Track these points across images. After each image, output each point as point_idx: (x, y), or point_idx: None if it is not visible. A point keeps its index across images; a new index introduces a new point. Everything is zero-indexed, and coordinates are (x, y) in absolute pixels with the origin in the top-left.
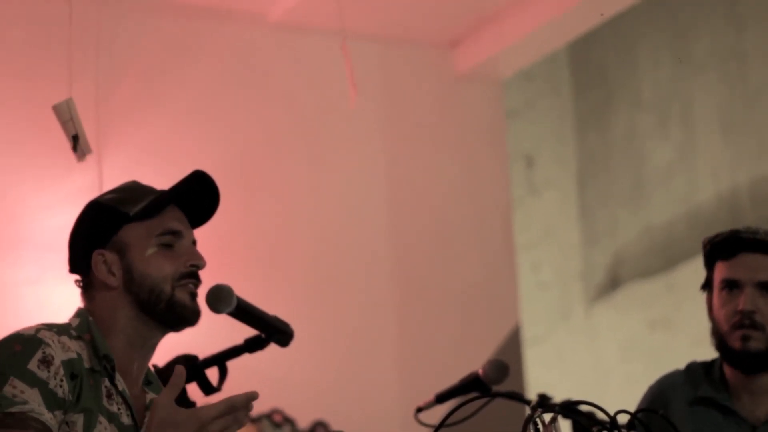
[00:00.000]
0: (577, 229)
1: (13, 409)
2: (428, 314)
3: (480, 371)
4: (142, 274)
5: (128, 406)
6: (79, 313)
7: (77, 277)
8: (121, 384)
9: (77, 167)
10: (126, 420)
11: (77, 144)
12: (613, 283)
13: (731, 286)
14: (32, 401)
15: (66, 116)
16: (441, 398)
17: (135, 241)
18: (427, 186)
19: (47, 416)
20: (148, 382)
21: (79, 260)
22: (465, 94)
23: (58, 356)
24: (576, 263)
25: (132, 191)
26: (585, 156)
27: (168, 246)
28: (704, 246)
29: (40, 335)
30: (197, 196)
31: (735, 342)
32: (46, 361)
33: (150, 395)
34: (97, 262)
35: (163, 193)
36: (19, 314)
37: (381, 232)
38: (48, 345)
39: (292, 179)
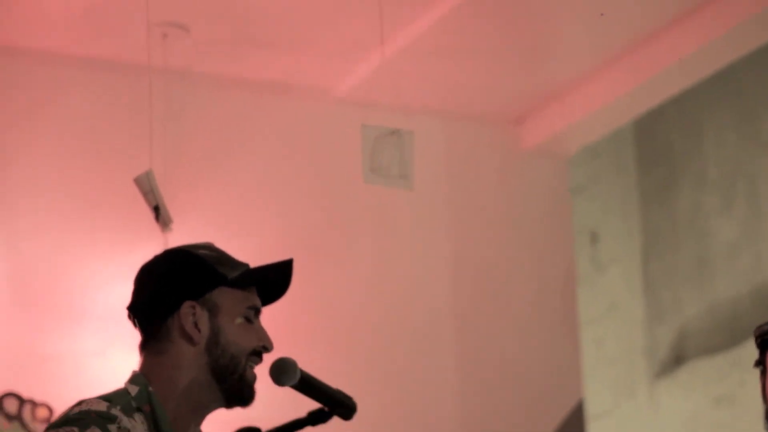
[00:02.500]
0: (642, 305)
1: None
2: (491, 389)
3: None
4: (229, 340)
5: None
6: (138, 380)
7: (137, 318)
8: None
9: (142, 239)
10: None
11: (159, 214)
12: (677, 359)
13: None
14: None
15: (146, 188)
16: None
17: (227, 306)
18: (492, 262)
19: None
20: None
21: (160, 306)
22: (530, 170)
23: (134, 429)
24: (640, 339)
25: (221, 253)
26: (649, 232)
27: (249, 320)
28: (755, 333)
29: (113, 413)
30: (275, 279)
31: None
32: (123, 428)
33: None
34: (187, 314)
35: (258, 269)
36: (85, 383)
37: (445, 309)
38: (121, 419)
39: (357, 256)
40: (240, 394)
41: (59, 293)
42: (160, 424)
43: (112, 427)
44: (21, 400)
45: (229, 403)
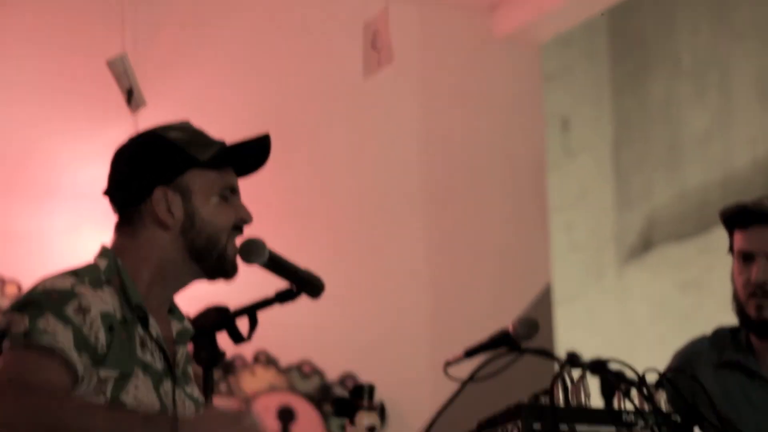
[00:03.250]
0: (612, 191)
1: (43, 342)
2: (460, 271)
3: (510, 327)
4: (204, 221)
5: (161, 350)
6: (106, 254)
7: (111, 201)
8: (155, 330)
9: (112, 120)
10: (160, 365)
11: (131, 97)
12: (645, 245)
13: (745, 257)
14: (63, 339)
15: (120, 70)
16: (470, 353)
17: (200, 188)
18: (463, 147)
19: (74, 356)
20: (169, 311)
21: (132, 190)
22: (503, 57)
23: (97, 306)
24: (609, 225)
25: (194, 134)
26: (621, 120)
27: (225, 198)
28: (720, 216)
29: (76, 290)
30: (250, 154)
31: (751, 311)
32: (83, 309)
33: (174, 324)
34: (159, 200)
35: (231, 147)
36: (54, 262)
37: (415, 192)
38: (84, 297)
39: (329, 136)
40: (222, 269)
41: (31, 171)
42: (129, 295)
43: (69, 309)
44: None
45: (211, 277)
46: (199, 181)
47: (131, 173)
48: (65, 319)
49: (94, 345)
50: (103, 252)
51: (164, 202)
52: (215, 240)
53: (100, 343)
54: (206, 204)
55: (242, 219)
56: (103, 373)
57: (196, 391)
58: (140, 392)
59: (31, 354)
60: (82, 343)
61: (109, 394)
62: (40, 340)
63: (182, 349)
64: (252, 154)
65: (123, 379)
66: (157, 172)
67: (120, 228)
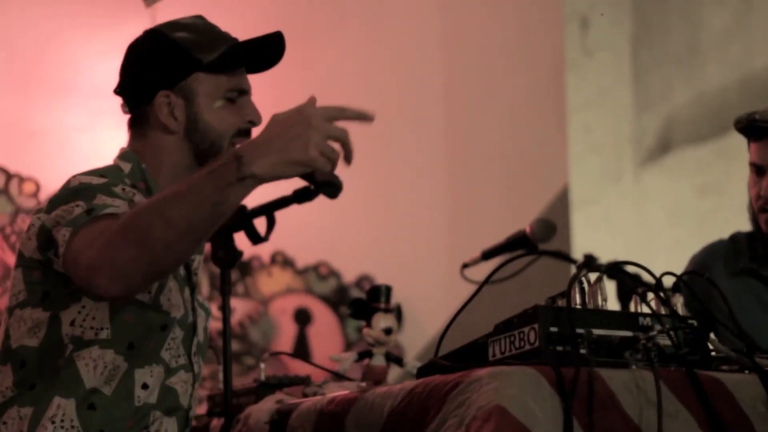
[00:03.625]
0: (630, 92)
1: (107, 211)
2: (477, 172)
3: (527, 229)
4: (207, 125)
5: None
6: (128, 157)
7: (123, 102)
8: None
9: (130, 13)
10: (181, 271)
11: None
12: (664, 147)
13: (758, 170)
14: (122, 206)
15: None
16: (487, 255)
17: (204, 92)
18: (481, 45)
19: None
20: None
21: (137, 92)
22: None
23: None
24: (627, 126)
25: (203, 32)
26: (640, 19)
27: (232, 101)
28: (734, 126)
29: (111, 183)
30: (263, 52)
31: (762, 224)
32: (127, 193)
33: None
34: (161, 104)
35: (237, 47)
36: (72, 159)
37: (433, 91)
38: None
39: (346, 34)
40: None
41: (46, 68)
42: None
43: (118, 189)
44: (8, 174)
45: None
46: (203, 83)
47: (137, 74)
48: (116, 194)
49: None
50: (126, 155)
51: (167, 105)
52: (218, 144)
53: None
54: (210, 107)
55: (250, 121)
56: None
57: (205, 301)
58: (172, 295)
59: (100, 221)
60: None
61: (153, 293)
62: (105, 210)
63: (198, 257)
64: (264, 51)
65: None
66: (160, 74)
67: (132, 128)
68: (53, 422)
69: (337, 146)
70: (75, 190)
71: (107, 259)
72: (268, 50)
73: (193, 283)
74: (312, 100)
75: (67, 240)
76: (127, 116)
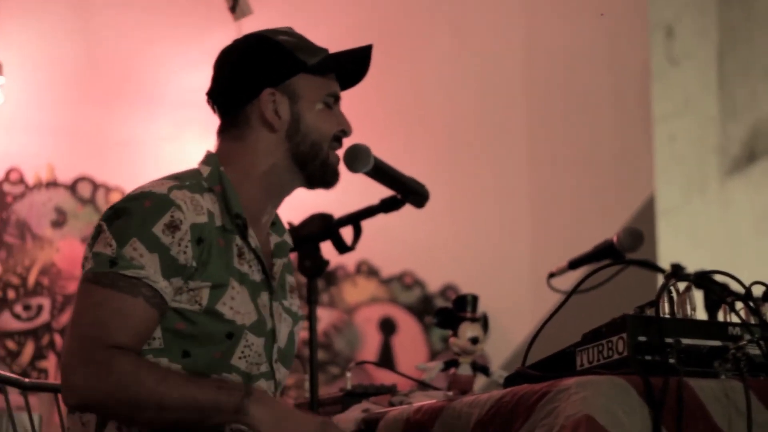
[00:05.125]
0: (716, 101)
1: (128, 272)
2: (563, 181)
3: (614, 238)
4: (309, 126)
5: (260, 261)
6: (210, 161)
7: (216, 104)
8: (254, 240)
9: (216, 25)
10: (257, 276)
11: (237, 3)
12: (750, 157)
13: None
14: (149, 267)
15: None
16: (574, 264)
17: (307, 93)
18: (566, 54)
19: (162, 284)
20: (272, 224)
21: (241, 91)
22: None
23: (188, 220)
24: (713, 136)
25: (300, 39)
26: (726, 28)
27: (328, 106)
28: None
29: (172, 196)
30: (353, 65)
31: None
32: (173, 226)
33: (273, 237)
34: (267, 101)
35: (337, 54)
36: (158, 169)
37: (517, 100)
38: (178, 208)
39: (431, 45)
40: (323, 177)
41: (133, 78)
42: (230, 204)
43: (158, 227)
44: (94, 185)
45: (312, 186)
46: (305, 85)
47: (239, 73)
48: (152, 243)
49: (183, 264)
50: (208, 158)
51: (272, 103)
52: (318, 146)
53: (189, 258)
54: (311, 109)
55: (343, 130)
56: (194, 284)
57: (295, 305)
58: (236, 302)
59: (115, 294)
60: (170, 266)
61: (204, 303)
62: (127, 270)
63: (280, 261)
64: (355, 64)
65: (217, 289)
66: (266, 72)
67: (224, 132)
68: (120, 429)
69: None
70: (121, 210)
71: (89, 401)
72: (358, 63)
73: (272, 287)
74: (330, 424)
75: (86, 278)
76: (218, 123)
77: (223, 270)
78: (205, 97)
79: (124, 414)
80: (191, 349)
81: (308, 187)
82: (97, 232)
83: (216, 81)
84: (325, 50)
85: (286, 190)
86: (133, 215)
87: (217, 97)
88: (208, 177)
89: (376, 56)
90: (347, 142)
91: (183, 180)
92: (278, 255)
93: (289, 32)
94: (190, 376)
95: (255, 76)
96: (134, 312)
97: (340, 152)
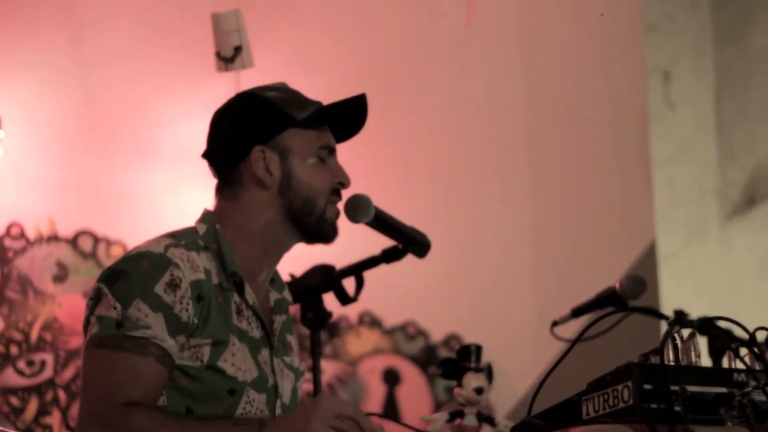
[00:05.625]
0: (714, 145)
1: (136, 333)
2: (563, 228)
3: (617, 285)
4: (301, 181)
5: (258, 317)
6: (206, 219)
7: (211, 164)
8: (251, 297)
9: (213, 76)
10: (257, 333)
11: (237, 55)
12: (749, 201)
13: None
14: (155, 327)
15: (232, 26)
16: (577, 312)
17: (298, 148)
18: (565, 97)
19: (169, 343)
20: (271, 280)
21: (231, 150)
22: (605, 7)
23: (187, 278)
24: (712, 180)
25: (291, 94)
26: (723, 71)
27: (322, 160)
28: None
29: (169, 254)
30: (349, 115)
31: None
32: (174, 285)
33: (273, 294)
34: (257, 159)
35: (328, 106)
36: (158, 222)
37: (518, 145)
38: (177, 266)
39: (430, 88)
40: (320, 233)
41: (131, 130)
42: (225, 261)
43: (159, 287)
44: (95, 238)
45: (310, 241)
46: (296, 140)
47: (230, 133)
48: (155, 303)
49: (186, 321)
50: (204, 217)
51: (262, 161)
52: (313, 202)
53: (190, 316)
54: (303, 164)
55: (340, 182)
56: (195, 341)
57: (296, 361)
58: (237, 359)
59: (125, 355)
60: (174, 325)
61: (206, 360)
62: (134, 332)
63: (279, 318)
64: (348, 114)
65: (218, 346)
66: (255, 130)
67: (220, 191)
68: None
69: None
70: (120, 271)
71: None
72: (353, 113)
73: (273, 344)
74: (325, 395)
75: (92, 343)
76: (215, 181)
77: (222, 327)
78: (202, 149)
79: None
80: (194, 406)
81: (306, 242)
82: (98, 295)
83: (210, 141)
84: (317, 103)
85: (284, 246)
86: (133, 276)
87: (211, 157)
88: (204, 235)
89: (372, 102)
90: (346, 195)
91: (179, 239)
92: (278, 312)
93: (280, 88)
94: (207, 420)
95: (245, 134)
96: (145, 371)
97: (341, 203)
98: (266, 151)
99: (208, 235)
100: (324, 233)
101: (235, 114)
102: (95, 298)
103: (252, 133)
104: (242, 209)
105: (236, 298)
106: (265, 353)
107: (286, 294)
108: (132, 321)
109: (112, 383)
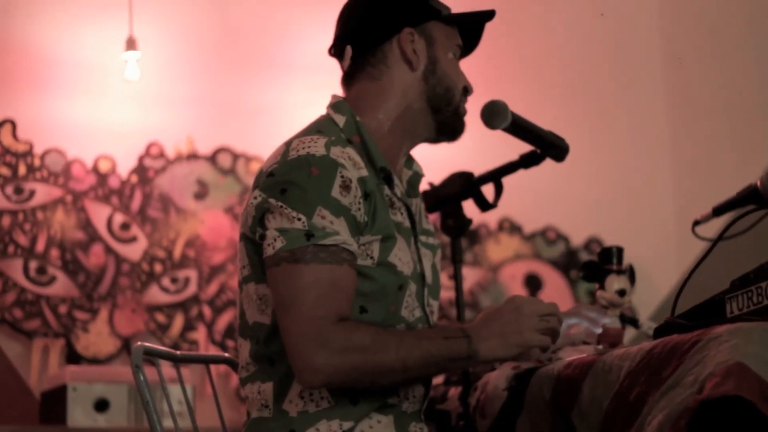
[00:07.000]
0: None
1: (327, 241)
2: (703, 128)
3: (758, 183)
4: (445, 71)
5: (407, 208)
6: (343, 108)
7: (350, 45)
8: (399, 188)
9: None
10: (407, 222)
11: None
12: None
13: None
14: (342, 232)
15: None
16: (718, 211)
17: (441, 40)
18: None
19: (355, 246)
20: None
21: (377, 30)
22: None
23: (354, 176)
24: None
25: None
26: None
27: (456, 57)
28: None
29: (332, 155)
30: (474, 29)
31: None
32: (346, 186)
33: (405, 172)
34: (407, 39)
35: (463, 14)
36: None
37: (653, 41)
38: (343, 166)
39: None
40: (453, 126)
41: (266, 46)
42: (372, 157)
43: (335, 190)
44: (234, 155)
45: (439, 135)
46: (440, 32)
47: (378, 12)
48: (335, 207)
49: (360, 221)
50: (340, 106)
51: (411, 43)
52: (452, 93)
53: (363, 215)
54: (445, 56)
55: (467, 86)
56: (365, 239)
57: (430, 237)
58: (402, 252)
59: (324, 267)
60: (354, 226)
61: (376, 257)
62: (325, 240)
63: (416, 201)
64: (475, 28)
65: (386, 242)
66: (405, 13)
67: (355, 74)
68: (302, 397)
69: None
70: (289, 182)
71: (335, 378)
72: (479, 29)
73: (417, 232)
74: (518, 298)
75: (281, 258)
76: (347, 68)
77: (388, 221)
78: (332, 62)
79: (366, 383)
80: (368, 305)
81: (434, 138)
82: (268, 209)
83: (347, 23)
84: (447, 7)
85: (418, 136)
86: (306, 184)
87: (350, 38)
88: (345, 128)
89: (505, 9)
90: (482, 98)
91: (328, 134)
92: (413, 194)
93: None
94: (417, 332)
95: (395, 14)
96: (345, 280)
97: (475, 111)
98: (415, 34)
99: (348, 127)
100: (456, 127)
101: None
102: (264, 212)
103: (402, 14)
104: (383, 90)
105: (387, 191)
106: (412, 242)
107: (417, 167)
108: (320, 229)
109: (320, 299)
